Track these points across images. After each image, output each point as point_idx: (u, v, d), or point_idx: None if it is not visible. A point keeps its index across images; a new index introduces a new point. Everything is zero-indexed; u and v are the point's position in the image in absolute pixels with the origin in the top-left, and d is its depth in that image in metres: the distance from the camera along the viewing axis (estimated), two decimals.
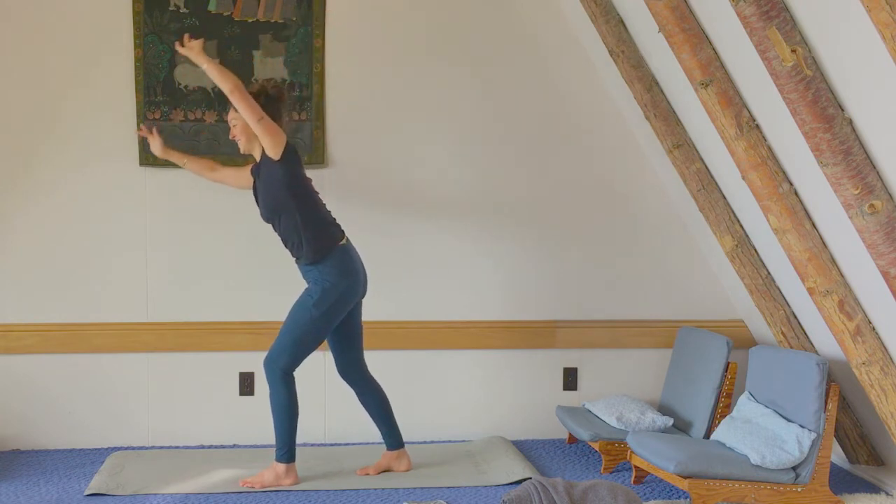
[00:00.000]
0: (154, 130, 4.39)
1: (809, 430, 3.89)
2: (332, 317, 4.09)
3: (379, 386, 4.30)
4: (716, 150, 4.18)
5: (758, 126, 3.76)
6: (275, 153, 3.97)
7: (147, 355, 4.69)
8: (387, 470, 4.30)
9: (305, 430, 4.68)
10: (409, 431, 4.81)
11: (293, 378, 4.10)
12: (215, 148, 4.59)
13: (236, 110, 3.99)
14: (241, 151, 4.14)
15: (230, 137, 4.13)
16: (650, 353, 4.97)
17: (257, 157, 4.11)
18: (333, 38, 4.69)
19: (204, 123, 4.59)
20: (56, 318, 4.63)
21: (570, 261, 4.91)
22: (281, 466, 4.10)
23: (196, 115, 4.60)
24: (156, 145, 4.37)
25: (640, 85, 4.41)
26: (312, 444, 4.73)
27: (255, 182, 4.17)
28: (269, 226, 4.17)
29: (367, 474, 4.24)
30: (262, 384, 4.64)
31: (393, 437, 4.31)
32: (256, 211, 4.18)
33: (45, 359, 4.63)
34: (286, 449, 4.10)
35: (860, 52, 2.96)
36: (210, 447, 4.68)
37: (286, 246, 4.15)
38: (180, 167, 4.40)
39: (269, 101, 4.03)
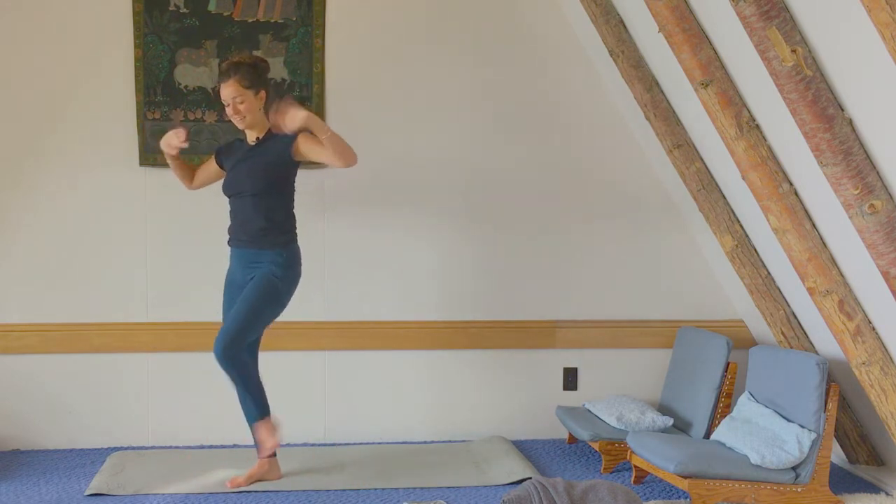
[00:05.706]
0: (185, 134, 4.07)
1: (809, 430, 3.89)
2: (284, 301, 4.08)
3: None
4: (716, 150, 4.18)
5: (758, 126, 3.76)
6: (347, 164, 3.93)
7: (147, 355, 4.69)
8: (259, 479, 4.13)
9: (305, 430, 4.68)
10: (409, 431, 4.82)
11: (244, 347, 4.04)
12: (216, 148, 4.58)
13: (244, 86, 3.96)
14: (243, 127, 4.07)
15: (232, 113, 4.01)
16: (650, 353, 4.97)
17: (260, 133, 4.08)
18: (333, 38, 4.68)
19: (204, 123, 4.59)
20: (56, 318, 4.63)
21: (570, 261, 4.91)
22: (268, 423, 4.08)
23: (196, 115, 4.60)
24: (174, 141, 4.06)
25: (640, 85, 4.41)
26: (312, 444, 4.73)
27: (233, 160, 4.12)
28: None
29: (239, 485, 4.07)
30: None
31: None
32: None
33: (45, 359, 4.62)
34: (264, 402, 4.09)
35: (860, 52, 2.96)
36: (210, 447, 4.69)
37: (241, 227, 4.06)
38: None
39: (261, 72, 4.04)
